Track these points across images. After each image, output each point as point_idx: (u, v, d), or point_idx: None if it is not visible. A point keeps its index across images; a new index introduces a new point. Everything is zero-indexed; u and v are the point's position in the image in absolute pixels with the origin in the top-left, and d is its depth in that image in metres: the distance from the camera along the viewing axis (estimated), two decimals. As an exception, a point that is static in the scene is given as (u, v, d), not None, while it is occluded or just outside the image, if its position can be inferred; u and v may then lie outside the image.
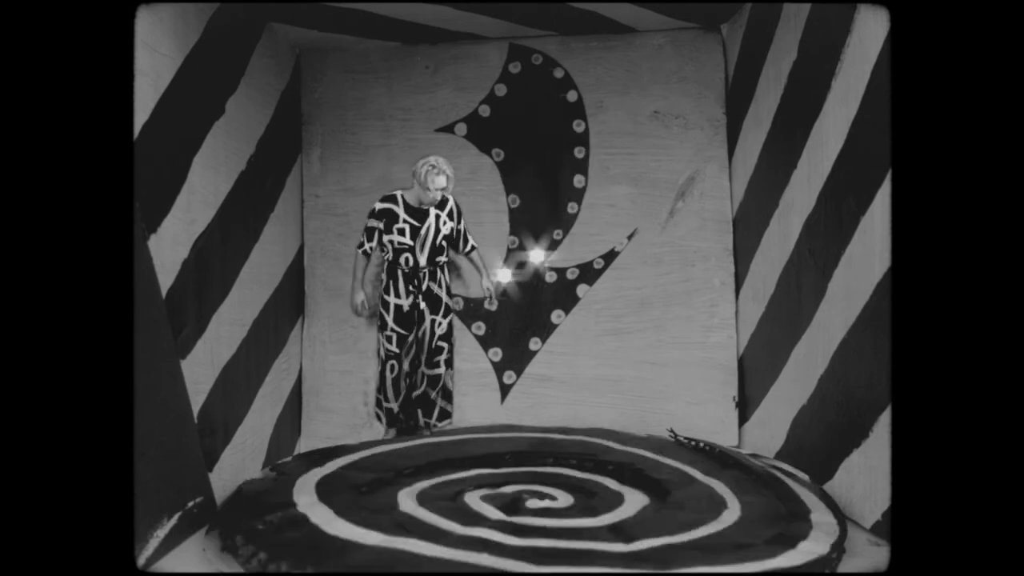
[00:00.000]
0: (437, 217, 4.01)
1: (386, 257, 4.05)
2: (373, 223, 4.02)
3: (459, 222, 4.10)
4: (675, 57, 4.44)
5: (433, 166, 3.86)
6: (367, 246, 4.05)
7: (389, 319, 4.05)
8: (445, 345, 4.17)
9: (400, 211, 3.98)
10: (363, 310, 4.16)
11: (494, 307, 4.31)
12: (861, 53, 2.76)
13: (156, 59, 2.83)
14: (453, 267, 4.45)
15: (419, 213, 3.99)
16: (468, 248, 4.18)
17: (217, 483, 3.10)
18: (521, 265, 4.48)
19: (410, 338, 4.10)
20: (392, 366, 4.13)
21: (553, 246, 4.51)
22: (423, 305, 4.05)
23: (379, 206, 4.02)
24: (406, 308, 4.04)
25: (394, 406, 4.19)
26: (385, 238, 4.00)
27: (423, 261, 4.00)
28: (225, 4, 3.40)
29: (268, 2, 3.75)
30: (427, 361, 4.15)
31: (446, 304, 4.12)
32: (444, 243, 4.05)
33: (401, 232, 3.96)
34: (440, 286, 4.09)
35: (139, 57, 2.61)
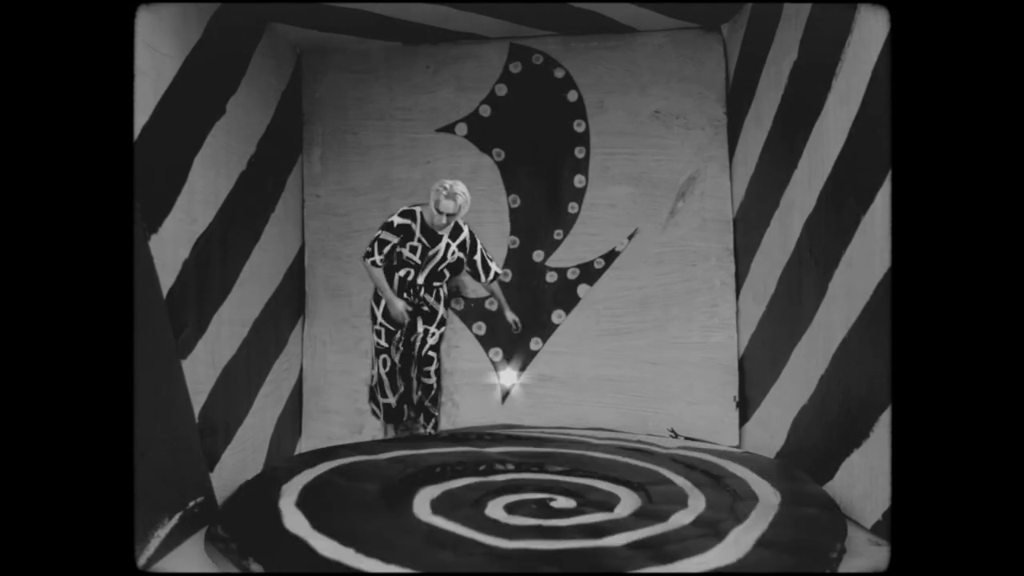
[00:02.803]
0: (447, 246, 4.01)
1: (391, 260, 4.03)
2: (388, 236, 3.94)
3: (474, 253, 4.09)
4: (675, 57, 4.43)
5: (444, 189, 3.82)
6: (376, 258, 3.95)
7: (378, 313, 4.11)
8: (435, 355, 4.17)
9: (417, 229, 3.95)
10: (406, 317, 4.05)
11: (518, 331, 4.29)
12: (861, 53, 2.76)
13: (157, 59, 2.83)
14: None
15: (433, 236, 3.97)
16: (490, 278, 4.16)
17: (217, 483, 3.10)
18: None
19: (397, 334, 4.13)
20: (385, 360, 4.17)
21: (553, 246, 4.51)
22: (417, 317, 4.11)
23: (398, 221, 3.94)
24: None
25: (392, 401, 4.21)
26: (397, 249, 3.97)
27: (421, 280, 4.03)
28: (226, 4, 3.40)
29: (268, 2, 3.75)
30: (419, 369, 4.18)
31: (441, 316, 4.15)
32: (446, 271, 4.07)
33: (413, 250, 3.97)
34: (437, 299, 4.12)
35: (139, 57, 2.61)
